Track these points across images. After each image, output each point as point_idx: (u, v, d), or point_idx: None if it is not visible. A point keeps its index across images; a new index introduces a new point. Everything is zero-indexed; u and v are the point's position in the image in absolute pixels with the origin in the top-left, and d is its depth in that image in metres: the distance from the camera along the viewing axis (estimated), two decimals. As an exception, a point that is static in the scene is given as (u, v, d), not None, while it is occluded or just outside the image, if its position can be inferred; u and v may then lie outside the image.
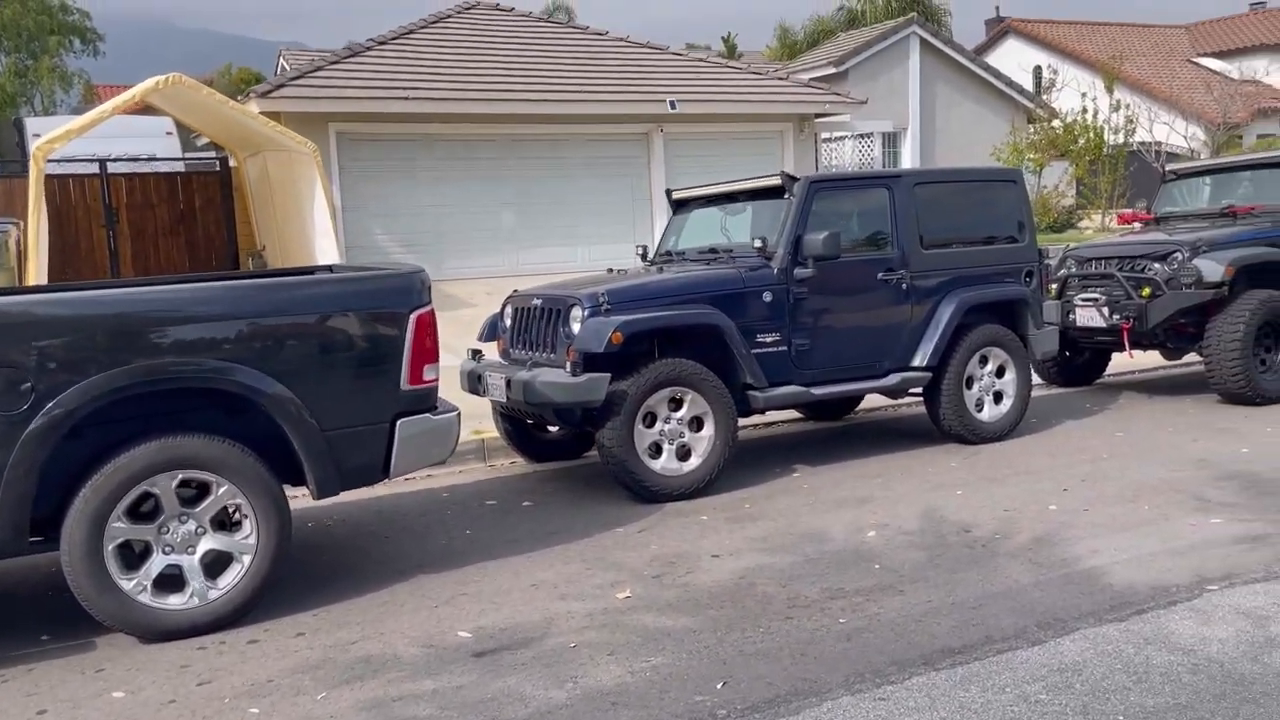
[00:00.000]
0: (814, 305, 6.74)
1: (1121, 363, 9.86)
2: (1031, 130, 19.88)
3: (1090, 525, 5.35)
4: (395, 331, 4.60)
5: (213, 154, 17.42)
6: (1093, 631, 4.03)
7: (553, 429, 7.19)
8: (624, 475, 6.06)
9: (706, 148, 17.41)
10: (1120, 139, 22.93)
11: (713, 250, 7.19)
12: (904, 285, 7.03)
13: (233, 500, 4.32)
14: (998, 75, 22.80)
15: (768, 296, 6.58)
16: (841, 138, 20.57)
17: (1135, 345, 8.75)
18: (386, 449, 4.65)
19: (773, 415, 8.21)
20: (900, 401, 8.09)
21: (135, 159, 17.20)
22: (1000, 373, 7.44)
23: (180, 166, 17.58)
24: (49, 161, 15.60)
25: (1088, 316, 8.74)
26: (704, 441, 6.25)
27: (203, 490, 4.30)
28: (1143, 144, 24.72)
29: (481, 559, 5.22)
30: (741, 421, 7.77)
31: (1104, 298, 8.63)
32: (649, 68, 17.58)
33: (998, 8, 39.87)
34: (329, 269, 6.12)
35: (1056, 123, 20.89)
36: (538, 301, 6.63)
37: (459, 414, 4.95)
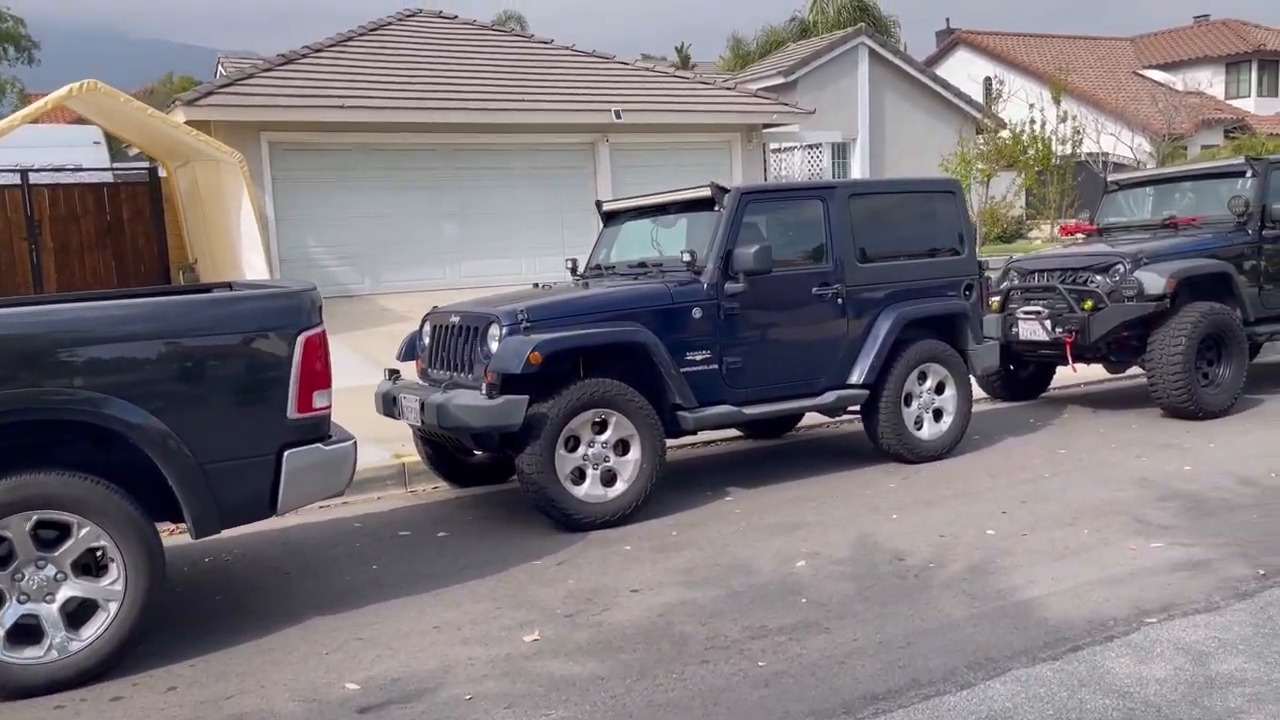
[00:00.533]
0: (746, 321, 6.47)
1: (1067, 376, 9.70)
2: (981, 140, 19.86)
3: (1028, 552, 5.12)
4: (280, 355, 4.25)
5: (144, 164, 16.87)
6: (1025, 673, 3.77)
7: (478, 452, 6.85)
8: (544, 503, 5.74)
9: (653, 158, 17.17)
10: (1068, 149, 23.02)
11: (642, 264, 6.90)
12: (840, 300, 6.79)
13: (97, 542, 3.94)
14: (946, 86, 22.81)
15: (697, 313, 6.30)
16: (791, 148, 20.44)
17: (1078, 359, 8.58)
18: (272, 483, 4.29)
19: (710, 434, 7.94)
20: (841, 419, 7.84)
21: (60, 169, 16.60)
22: (940, 389, 7.22)
23: (109, 177, 16.99)
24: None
25: (1030, 330, 8.56)
26: (630, 465, 5.95)
27: (64, 532, 3.92)
28: (1091, 155, 24.86)
29: (384, 598, 4.87)
30: (677, 441, 7.54)
31: (1046, 311, 8.46)
32: (595, 77, 17.32)
33: (948, 20, 40.14)
34: (228, 286, 5.75)
35: (1005, 133, 20.89)
36: (456, 319, 6.31)
37: (354, 443, 4.60)
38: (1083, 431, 7.96)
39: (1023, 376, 9.46)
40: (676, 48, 42.77)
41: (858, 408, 7.04)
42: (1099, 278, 8.33)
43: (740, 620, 4.39)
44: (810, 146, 19.97)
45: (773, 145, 19.95)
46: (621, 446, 5.96)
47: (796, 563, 5.12)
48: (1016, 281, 8.93)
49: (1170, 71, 36.63)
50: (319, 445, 4.40)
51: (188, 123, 14.25)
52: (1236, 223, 8.67)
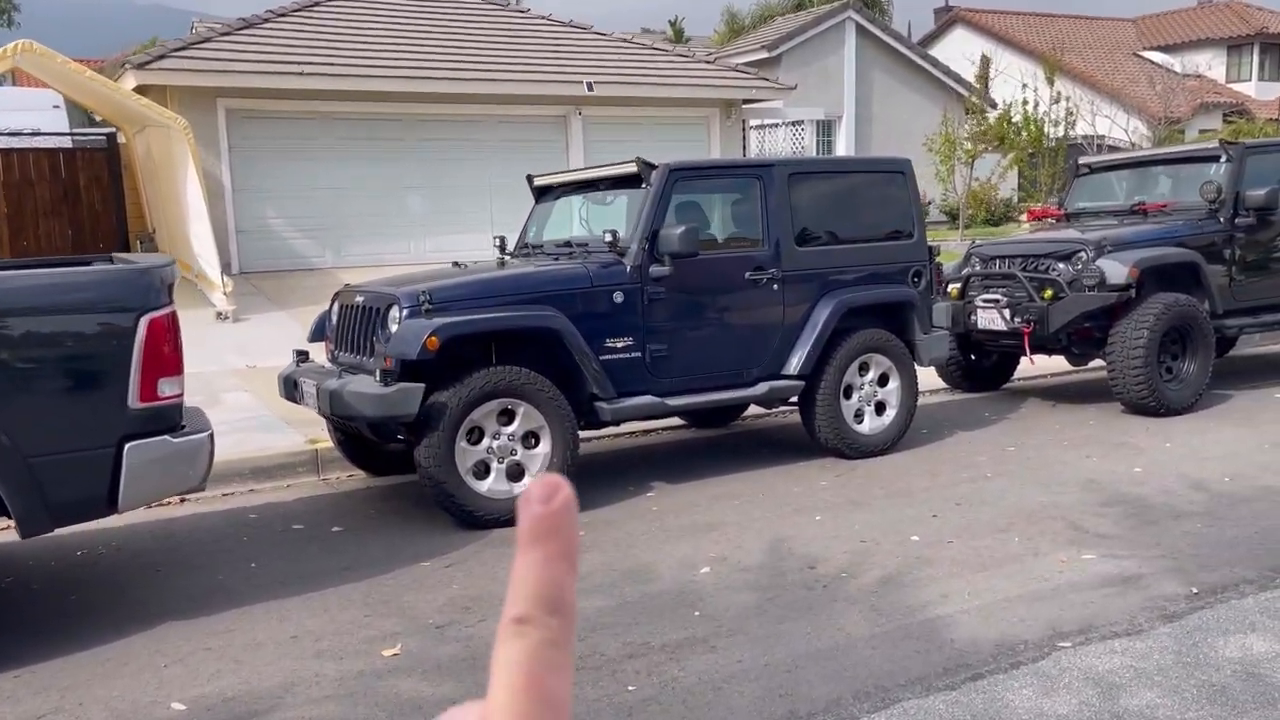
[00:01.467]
0: (672, 307, 6.09)
1: (1033, 366, 9.33)
2: (973, 121, 19.40)
3: (950, 562, 4.76)
4: (119, 339, 3.88)
5: (105, 130, 16.42)
6: (916, 704, 3.42)
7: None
8: (443, 499, 5.38)
9: (627, 132, 16.71)
10: (1060, 131, 22.53)
11: (567, 244, 6.52)
12: (775, 285, 6.41)
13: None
14: (936, 64, 22.32)
15: (619, 297, 5.92)
16: (774, 125, 19.98)
17: (1038, 350, 8.21)
18: (112, 478, 3.93)
19: (652, 423, 7.59)
20: (787, 410, 7.48)
21: (17, 133, 16.16)
22: (883, 381, 6.85)
23: (67, 142, 16.54)
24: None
25: (989, 319, 8.18)
26: (539, 459, 5.58)
27: None
28: (1085, 137, 24.38)
29: (251, 601, 4.52)
30: (615, 430, 7.20)
31: (1005, 299, 8.07)
32: (569, 48, 16.85)
33: (946, -3, 39.48)
34: (109, 259, 5.36)
35: (993, 113, 20.40)
36: (360, 298, 5.93)
37: (210, 435, 4.24)
38: (1037, 427, 7.59)
39: (985, 367, 9.09)
40: (670, 21, 42.07)
41: (795, 400, 6.68)
42: (1061, 266, 7.94)
43: (623, 635, 4.04)
44: (793, 124, 19.51)
45: (754, 122, 19.54)
46: (531, 439, 5.60)
47: (701, 569, 4.77)
48: (978, 268, 8.55)
49: (1171, 53, 36.04)
50: (166, 437, 4.04)
51: (139, 87, 13.85)
52: (1208, 210, 8.28)
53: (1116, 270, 7.60)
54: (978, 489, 5.98)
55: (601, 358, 5.87)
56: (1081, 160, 9.61)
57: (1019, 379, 9.52)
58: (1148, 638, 3.89)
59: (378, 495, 6.33)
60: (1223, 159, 8.40)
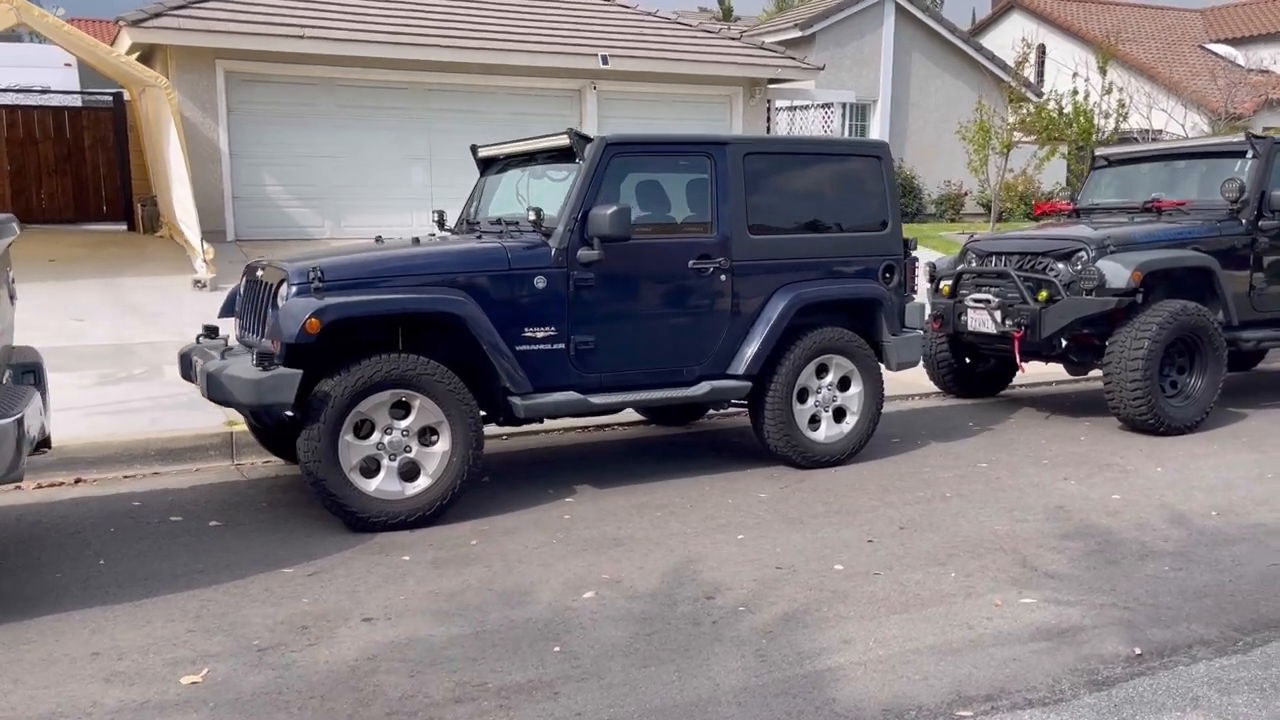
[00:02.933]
0: (602, 295, 5.54)
1: (1035, 371, 8.64)
2: (1014, 109, 18.49)
3: (868, 599, 4.18)
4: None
5: (114, 90, 16.15)
6: (762, 785, 2.87)
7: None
8: (324, 498, 4.89)
9: (645, 109, 16.13)
10: (1111, 124, 21.49)
11: (498, 222, 5.99)
12: (723, 276, 5.82)
13: None
14: (979, 49, 21.39)
15: (540, 282, 5.38)
16: (805, 107, 19.23)
17: (1033, 356, 7.54)
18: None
19: (605, 418, 7.05)
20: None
21: (28, 90, 15.97)
22: (844, 385, 6.25)
23: (75, 101, 16.32)
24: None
25: (979, 320, 7.52)
26: (436, 458, 5.08)
27: None
28: (1142, 131, 23.27)
29: (72, 607, 4.07)
30: (560, 424, 6.71)
31: (996, 300, 7.40)
32: (585, 18, 16.27)
33: (1006, -19, 38.13)
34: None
35: (1039, 103, 19.44)
36: (261, 272, 5.46)
37: (15, 421, 3.76)
38: (1019, 441, 6.94)
39: (980, 371, 8.42)
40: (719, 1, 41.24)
41: (744, 401, 6.11)
42: (1060, 265, 7.26)
43: (461, 673, 3.52)
44: (823, 106, 18.75)
45: (783, 103, 18.81)
46: (428, 435, 5.09)
47: (585, 593, 4.23)
48: (974, 264, 7.87)
49: (1238, 47, 34.49)
50: (-47, 423, 3.58)
51: (135, 45, 13.52)
52: (1229, 210, 7.54)
53: (1117, 273, 6.91)
54: (929, 511, 5.37)
55: (518, 348, 5.34)
56: (1098, 151, 8.86)
57: (1019, 385, 8.84)
58: (1065, 709, 3.29)
59: (284, 486, 5.86)
60: (1249, 154, 7.64)
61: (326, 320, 4.77)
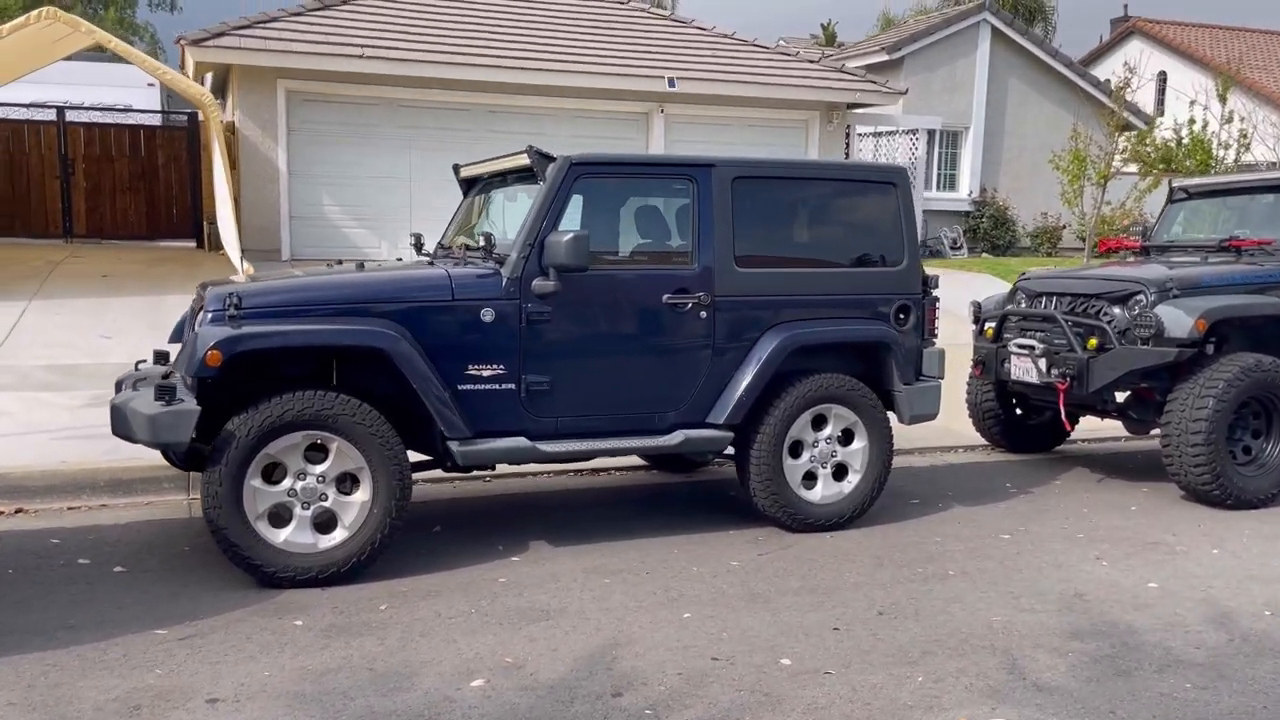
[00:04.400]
0: (560, 331, 4.97)
1: (1095, 425, 7.73)
2: (1112, 137, 17.29)
3: (804, 708, 3.49)
4: None
5: (189, 109, 16.34)
6: None
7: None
8: (226, 548, 4.42)
9: (715, 133, 15.54)
10: (1232, 155, 20.01)
11: (466, 247, 5.49)
12: (703, 313, 5.19)
13: None
14: (1083, 74, 20.18)
15: (488, 315, 4.84)
16: (890, 133, 18.35)
17: (1085, 410, 6.69)
18: None
19: (603, 461, 6.48)
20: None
21: (110, 109, 16.27)
22: (847, 439, 5.53)
23: (154, 120, 16.57)
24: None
25: (1023, 368, 6.70)
26: (355, 508, 4.56)
27: None
28: (1270, 164, 21.63)
29: (-98, 664, 3.67)
30: (551, 467, 6.15)
31: (1041, 346, 6.58)
32: (654, 40, 15.81)
33: (1126, 5, 36.46)
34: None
35: (1139, 130, 18.17)
36: (195, 296, 5.06)
37: None
38: (1057, 509, 6.09)
39: (1032, 423, 7.54)
40: (822, 25, 40.50)
41: (729, 453, 5.45)
42: (1115, 310, 6.40)
43: (278, 779, 2.98)
44: (909, 132, 17.84)
45: (866, 129, 17.99)
46: (349, 483, 4.59)
47: (475, 680, 3.65)
48: (1023, 305, 7.05)
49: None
50: None
51: (199, 65, 13.58)
52: (1322, 251, 6.57)
53: (1179, 320, 6.03)
54: (921, 593, 4.62)
55: (462, 388, 4.80)
56: (1175, 182, 7.91)
57: (1079, 439, 7.93)
58: None
59: (222, 526, 5.42)
60: (1347, 188, 6.65)
61: (230, 353, 4.31)
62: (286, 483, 4.49)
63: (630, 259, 5.27)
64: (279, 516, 4.51)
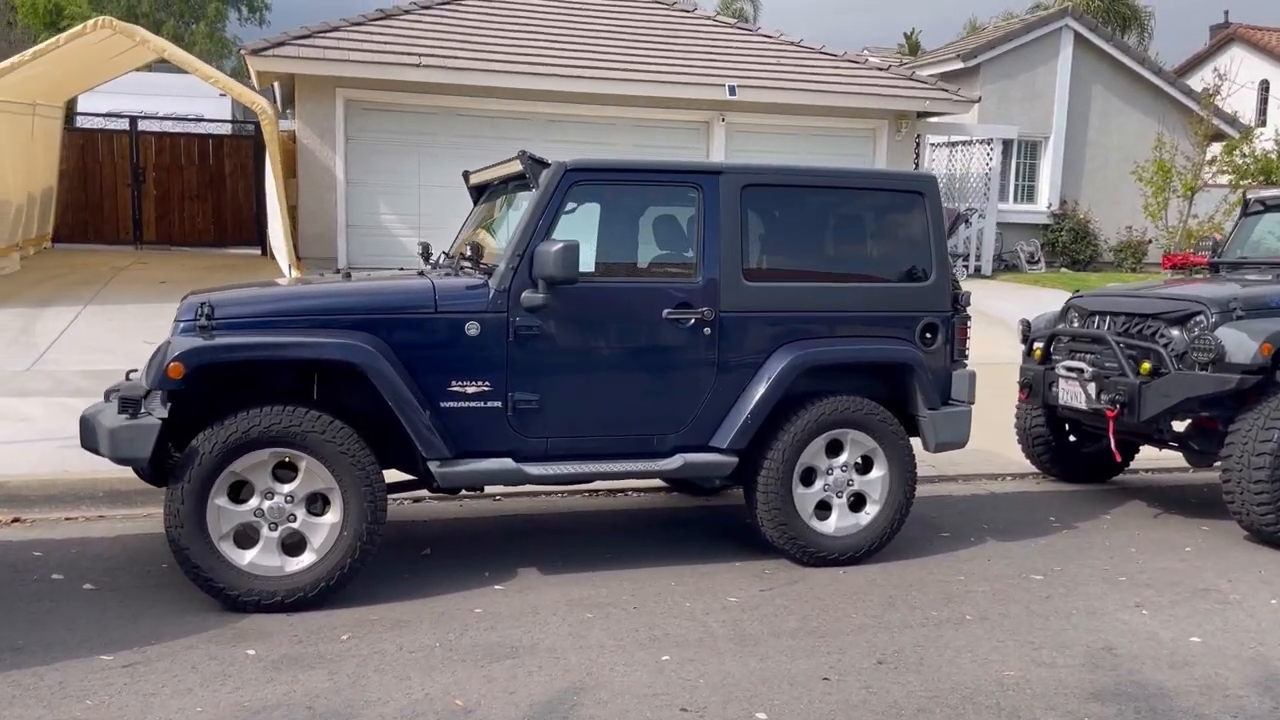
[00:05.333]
0: (550, 346, 4.69)
1: (1158, 454, 7.16)
2: (1200, 147, 16.41)
3: (767, 771, 3.14)
4: None
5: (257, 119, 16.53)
6: None
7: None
8: (188, 570, 4.22)
9: (778, 143, 15.17)
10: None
11: (462, 255, 5.26)
12: (707, 329, 4.86)
13: None
14: (1173, 82, 19.23)
15: (473, 329, 4.58)
16: (965, 143, 17.71)
17: (1131, 439, 6.19)
18: None
19: (619, 482, 6.18)
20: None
21: (182, 119, 16.56)
22: (865, 467, 5.14)
23: (224, 129, 16.82)
24: (79, 115, 15.09)
25: (1071, 393, 6.22)
26: (324, 530, 4.34)
27: None
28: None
29: None
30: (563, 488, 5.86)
31: (1090, 370, 6.08)
32: (716, 47, 15.49)
33: (1226, 12, 35.03)
34: None
35: (1231, 139, 17.23)
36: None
37: None
38: (1102, 547, 5.59)
39: (1087, 451, 7.01)
40: (906, 34, 39.73)
41: (731, 479, 5.10)
42: (1173, 332, 5.89)
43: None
44: (983, 142, 17.17)
45: (938, 139, 17.42)
46: (319, 503, 4.37)
47: (415, 725, 3.38)
48: (1076, 324, 6.56)
49: None
50: None
51: (261, 74, 13.69)
52: None
53: (1241, 343, 5.50)
54: (930, 640, 4.21)
55: (444, 405, 4.56)
56: (1250, 194, 7.32)
57: (1146, 468, 7.37)
58: None
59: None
60: None
61: (192, 365, 4.13)
62: (253, 502, 4.29)
63: (630, 271, 4.97)
64: (247, 538, 4.31)
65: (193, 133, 16.12)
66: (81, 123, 16.21)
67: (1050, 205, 18.39)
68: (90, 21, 10.34)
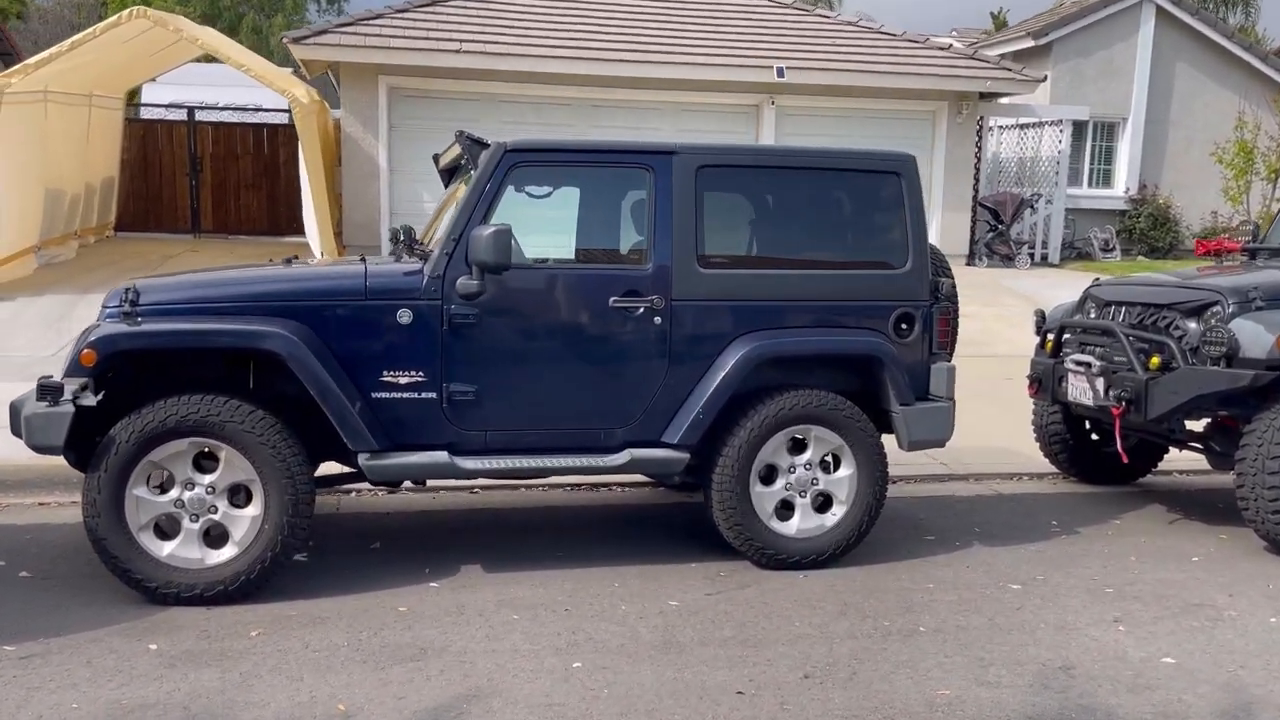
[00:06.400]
0: (487, 335, 4.50)
1: (1187, 455, 6.65)
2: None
3: (636, 795, 2.91)
4: None
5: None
6: None
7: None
8: (106, 560, 4.16)
9: (831, 126, 14.75)
10: None
11: (406, 239, 5.09)
12: (657, 318, 4.61)
13: None
14: (1265, 58, 18.13)
15: (405, 316, 4.42)
16: (1034, 125, 16.97)
17: (1138, 437, 5.76)
18: None
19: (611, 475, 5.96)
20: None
21: (241, 109, 16.83)
22: (832, 465, 4.84)
23: (280, 118, 17.02)
24: (142, 105, 15.43)
25: (1079, 388, 5.80)
26: (245, 523, 4.23)
27: None
28: None
29: None
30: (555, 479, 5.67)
31: (1098, 365, 5.66)
32: (766, 28, 15.12)
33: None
34: None
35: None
36: (123, 293, 4.85)
37: None
38: (1098, 554, 5.18)
39: (1108, 450, 6.54)
40: (993, 13, 38.42)
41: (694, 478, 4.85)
42: (1189, 324, 5.43)
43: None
44: (1053, 123, 16.42)
45: (1004, 121, 16.75)
46: (241, 495, 4.26)
47: (287, 729, 3.24)
48: (1093, 315, 6.12)
49: None
50: None
51: (304, 62, 13.79)
52: None
53: (1257, 337, 5.04)
54: (870, 652, 3.92)
55: (375, 395, 4.41)
56: (1295, 173, 6.75)
57: (1177, 469, 6.88)
58: None
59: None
60: None
61: (106, 352, 4.06)
62: (174, 492, 4.20)
63: (573, 257, 4.76)
64: (170, 529, 4.22)
65: (248, 123, 16.36)
66: (144, 114, 16.57)
67: (1128, 190, 17.53)
68: (125, 11, 10.50)
